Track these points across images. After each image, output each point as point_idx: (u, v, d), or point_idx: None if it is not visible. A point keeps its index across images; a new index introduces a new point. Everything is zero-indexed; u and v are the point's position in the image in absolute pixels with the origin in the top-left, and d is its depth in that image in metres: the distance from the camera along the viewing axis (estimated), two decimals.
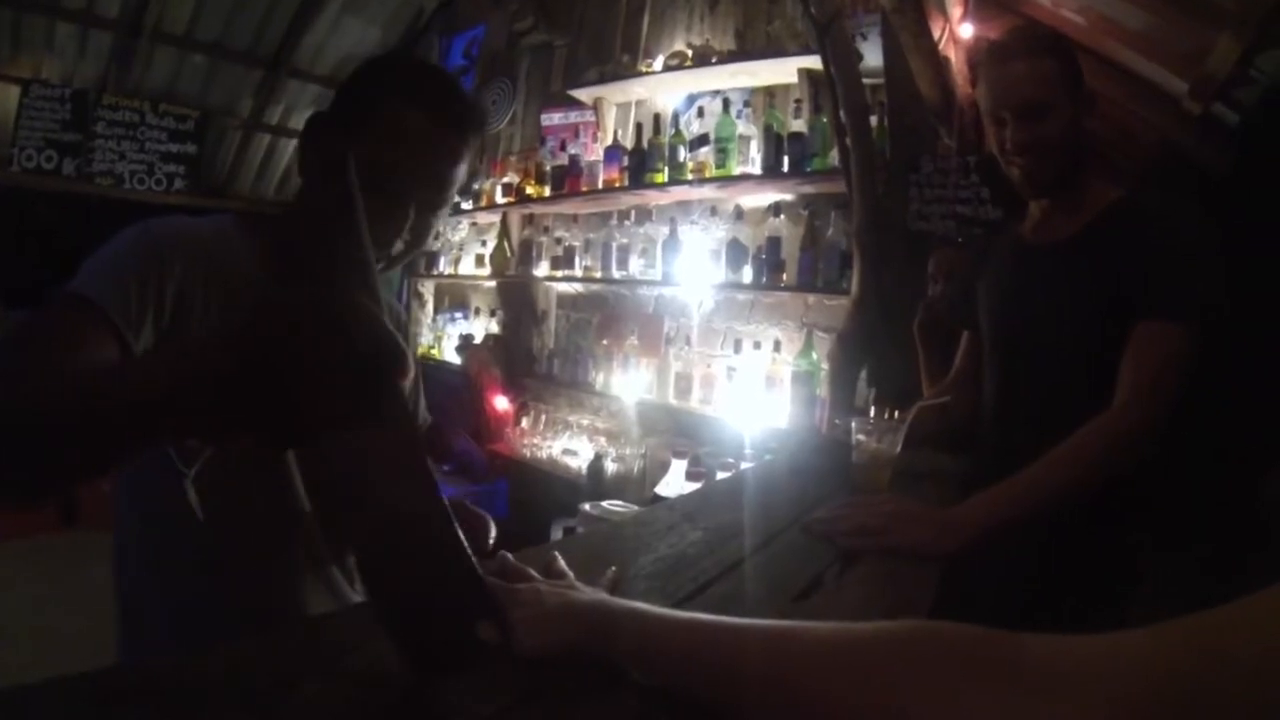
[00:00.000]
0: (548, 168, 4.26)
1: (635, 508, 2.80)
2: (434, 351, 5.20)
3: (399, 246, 1.19)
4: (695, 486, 2.72)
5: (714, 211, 3.65)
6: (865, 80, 2.90)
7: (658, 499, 2.78)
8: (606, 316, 4.18)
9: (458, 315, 5.17)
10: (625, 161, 3.78)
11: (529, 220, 4.67)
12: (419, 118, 1.14)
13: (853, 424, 1.54)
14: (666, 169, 3.58)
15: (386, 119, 1.13)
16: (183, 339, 0.99)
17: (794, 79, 3.41)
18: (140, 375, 0.68)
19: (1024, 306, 1.71)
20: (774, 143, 3.24)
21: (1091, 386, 1.47)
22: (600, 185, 3.92)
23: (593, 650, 0.69)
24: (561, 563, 0.88)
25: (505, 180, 4.58)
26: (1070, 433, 1.38)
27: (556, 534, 2.82)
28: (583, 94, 4.21)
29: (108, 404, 0.64)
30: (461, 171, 1.23)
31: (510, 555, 0.90)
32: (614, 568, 0.92)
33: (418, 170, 1.16)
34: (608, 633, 0.69)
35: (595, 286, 4.18)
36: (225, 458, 1.06)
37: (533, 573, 0.84)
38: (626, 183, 3.77)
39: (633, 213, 3.95)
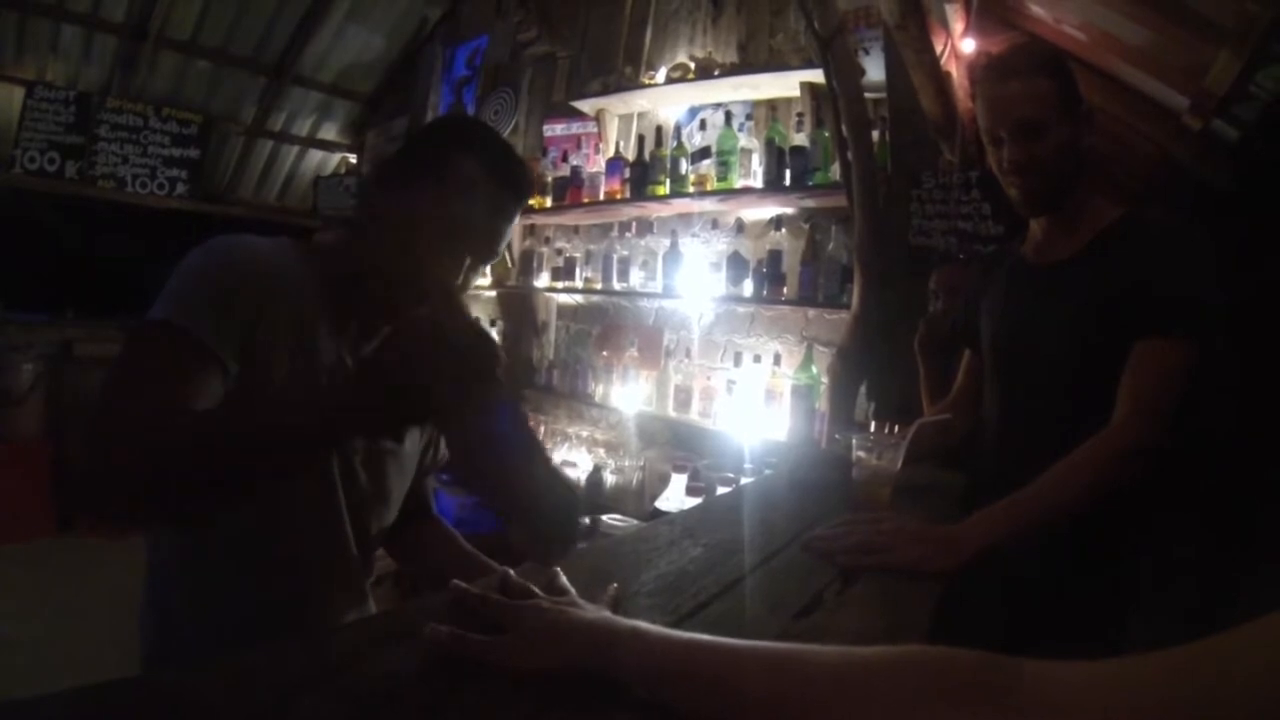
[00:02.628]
0: (549, 178, 4.27)
1: (635, 522, 2.80)
2: None
3: None
4: (695, 501, 2.72)
5: (715, 224, 3.67)
6: (867, 94, 2.91)
7: (658, 513, 2.78)
8: (607, 328, 4.18)
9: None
10: (627, 173, 3.79)
11: (530, 231, 4.68)
12: (486, 177, 1.23)
13: (853, 440, 1.53)
14: (668, 181, 3.59)
15: (456, 175, 1.22)
16: (347, 373, 1.21)
17: (796, 92, 3.43)
18: (333, 399, 0.94)
19: (1025, 325, 1.71)
20: (776, 156, 3.24)
21: (1091, 404, 1.47)
22: (602, 197, 3.93)
23: (595, 669, 0.69)
24: (564, 579, 0.88)
25: None
26: (1070, 450, 1.38)
27: None
28: (585, 105, 4.23)
29: (308, 426, 0.90)
30: (512, 230, 1.32)
31: (512, 571, 0.90)
32: (616, 585, 0.92)
33: (479, 224, 1.24)
34: (610, 651, 0.69)
35: (595, 298, 4.19)
36: (278, 492, 1.12)
37: (535, 589, 0.84)
38: (628, 194, 3.78)
39: (634, 224, 3.96)
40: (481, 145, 1.27)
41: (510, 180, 1.27)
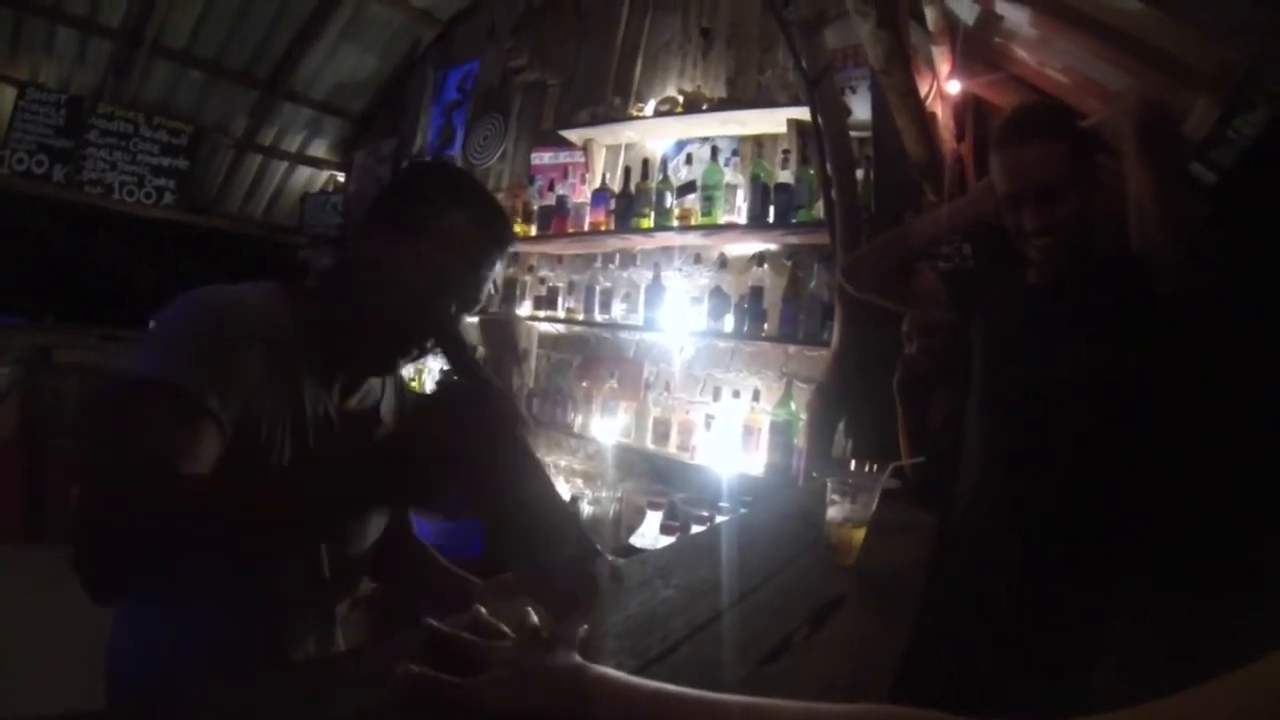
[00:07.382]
0: (535, 207, 4.27)
1: (609, 556, 2.79)
2: (414, 385, 5.17)
3: (430, 342, 1.31)
4: (670, 540, 2.71)
5: (698, 259, 3.68)
6: (853, 133, 2.94)
7: (632, 550, 2.77)
8: (587, 359, 4.19)
9: (439, 349, 5.13)
10: (612, 205, 3.80)
11: (514, 258, 4.65)
12: (473, 229, 1.25)
13: (828, 483, 1.53)
14: (653, 214, 3.60)
15: (443, 227, 1.23)
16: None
17: (783, 129, 3.46)
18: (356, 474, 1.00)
19: (1020, 344, 1.73)
20: (760, 192, 3.27)
21: (1085, 427, 1.49)
22: (586, 227, 3.93)
23: (562, 713, 0.69)
24: (534, 619, 0.88)
25: None
26: (1063, 474, 1.40)
27: None
28: (573, 134, 4.24)
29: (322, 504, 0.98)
30: (495, 275, 1.34)
31: (484, 610, 0.90)
32: (585, 625, 0.92)
33: (465, 275, 1.27)
34: (581, 699, 0.69)
35: (577, 328, 4.19)
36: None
37: (506, 629, 0.84)
38: (612, 226, 3.78)
39: (617, 256, 3.98)
40: (468, 197, 1.28)
41: (495, 231, 1.29)
